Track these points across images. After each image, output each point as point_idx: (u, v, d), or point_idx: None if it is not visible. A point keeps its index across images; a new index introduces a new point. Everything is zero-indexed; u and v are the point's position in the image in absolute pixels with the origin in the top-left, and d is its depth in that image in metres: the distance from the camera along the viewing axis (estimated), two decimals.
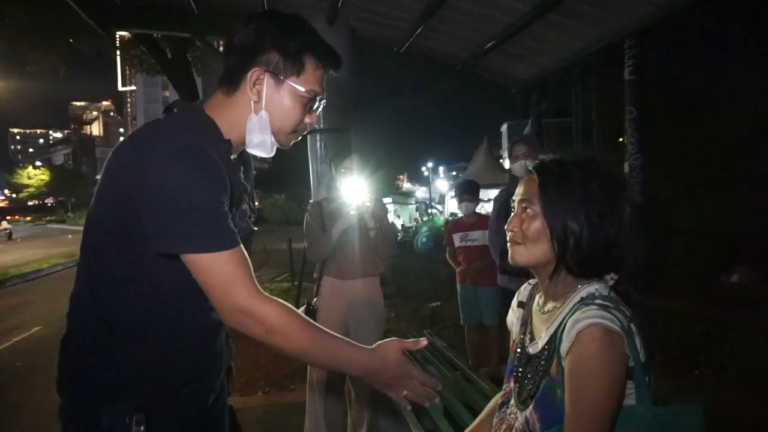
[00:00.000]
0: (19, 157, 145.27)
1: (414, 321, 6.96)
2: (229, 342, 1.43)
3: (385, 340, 1.16)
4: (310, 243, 2.73)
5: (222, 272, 1.05)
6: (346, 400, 2.92)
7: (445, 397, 2.55)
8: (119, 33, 7.18)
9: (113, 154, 1.12)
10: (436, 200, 36.95)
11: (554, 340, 1.06)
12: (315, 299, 2.79)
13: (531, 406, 1.09)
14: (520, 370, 1.18)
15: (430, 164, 50.38)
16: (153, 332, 1.15)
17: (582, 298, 1.06)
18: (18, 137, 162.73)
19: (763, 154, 10.44)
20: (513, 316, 1.31)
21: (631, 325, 1.00)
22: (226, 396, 1.44)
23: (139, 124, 1.23)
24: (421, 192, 49.39)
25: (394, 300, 8.52)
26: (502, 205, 3.27)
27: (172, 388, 1.17)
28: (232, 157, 1.24)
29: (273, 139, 1.21)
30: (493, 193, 6.80)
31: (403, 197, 29.76)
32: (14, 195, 74.63)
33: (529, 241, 1.11)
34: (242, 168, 1.28)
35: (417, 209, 28.68)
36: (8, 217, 27.67)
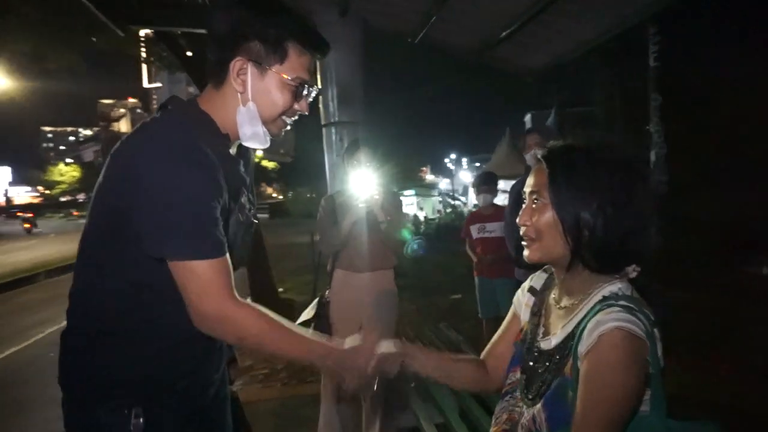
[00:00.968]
0: (51, 154, 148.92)
1: (433, 314, 6.95)
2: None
3: (361, 345, 1.22)
4: (322, 236, 2.75)
5: (202, 279, 1.06)
6: (360, 394, 2.94)
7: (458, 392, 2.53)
8: (141, 31, 7.26)
9: (110, 155, 1.13)
10: (460, 192, 36.71)
11: (572, 339, 1.00)
12: (327, 291, 2.81)
13: (539, 405, 1.04)
14: (530, 363, 1.13)
15: (453, 155, 50.07)
16: (146, 329, 1.16)
17: (604, 297, 1.00)
18: (49, 135, 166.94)
19: None
20: (522, 300, 1.26)
21: (655, 330, 0.94)
22: (228, 389, 1.44)
23: None
24: (444, 183, 49.15)
25: (414, 292, 8.51)
26: (517, 197, 3.23)
27: (167, 383, 1.19)
28: (231, 150, 1.25)
29: (264, 129, 1.20)
30: None
31: (425, 189, 29.63)
32: (47, 191, 76.68)
33: (542, 235, 1.05)
34: (242, 161, 1.28)
35: (440, 201, 28.52)
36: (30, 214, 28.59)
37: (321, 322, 2.74)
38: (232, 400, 1.53)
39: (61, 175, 71.92)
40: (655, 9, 3.26)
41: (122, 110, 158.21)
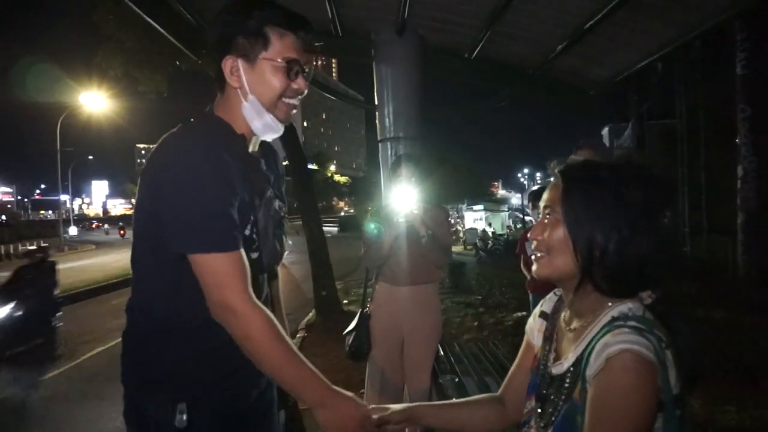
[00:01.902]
0: None
1: (496, 331, 6.80)
2: None
3: (361, 400, 1.17)
4: (366, 250, 2.78)
5: (218, 272, 1.12)
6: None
7: None
8: None
9: (140, 174, 1.22)
10: (530, 207, 35.66)
11: (580, 363, 0.95)
12: (369, 305, 2.83)
13: (550, 431, 1.00)
14: (544, 390, 1.07)
15: (526, 170, 48.97)
16: (188, 329, 1.23)
17: (613, 318, 0.94)
18: (143, 152, 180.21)
19: None
20: (534, 326, 1.21)
21: (667, 352, 0.88)
22: (274, 391, 1.46)
23: None
24: (516, 199, 48.09)
25: (478, 309, 8.37)
26: None
27: (209, 382, 1.24)
28: (251, 149, 1.31)
29: (271, 116, 1.25)
30: None
31: (495, 204, 29.13)
32: None
33: (552, 252, 1.01)
34: (264, 160, 1.35)
35: (510, 216, 27.95)
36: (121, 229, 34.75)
37: (362, 334, 2.77)
38: (290, 405, 1.57)
39: None
40: (732, 13, 3.07)
41: None
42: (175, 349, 1.22)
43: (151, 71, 8.34)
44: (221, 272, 1.12)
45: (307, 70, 1.27)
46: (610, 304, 0.97)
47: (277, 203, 1.36)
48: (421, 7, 3.47)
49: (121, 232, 32.49)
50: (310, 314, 7.85)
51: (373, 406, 1.18)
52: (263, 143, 1.36)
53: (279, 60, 1.22)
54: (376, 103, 4.05)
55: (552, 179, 1.07)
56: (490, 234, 19.71)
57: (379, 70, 3.98)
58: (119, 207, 79.01)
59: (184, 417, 1.19)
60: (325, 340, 6.17)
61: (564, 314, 1.10)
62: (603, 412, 0.86)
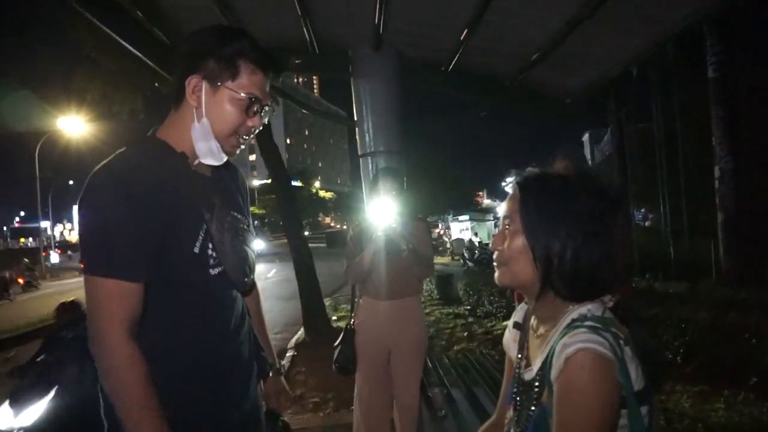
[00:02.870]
0: None
1: (486, 340, 6.81)
2: (261, 359, 1.48)
3: None
4: (348, 264, 2.79)
5: (97, 296, 1.12)
6: (390, 419, 2.90)
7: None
8: None
9: None
10: None
11: (545, 366, 0.98)
12: (352, 320, 2.83)
13: None
14: (517, 398, 1.11)
15: (509, 179, 49.33)
16: (160, 352, 1.20)
17: (573, 320, 0.98)
18: None
19: None
20: (510, 337, 1.24)
21: (626, 348, 0.91)
22: (261, 413, 1.46)
23: None
24: (501, 208, 48.38)
25: (467, 319, 8.38)
26: None
27: (187, 402, 1.22)
28: (197, 168, 1.31)
29: (217, 144, 1.26)
30: None
31: (481, 214, 29.27)
32: None
33: (511, 261, 1.04)
34: (215, 174, 1.37)
35: (495, 225, 28.04)
36: None
37: (347, 349, 2.77)
38: (281, 428, 1.56)
39: None
40: (701, 16, 3.13)
41: None
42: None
43: (129, 92, 8.32)
44: (100, 297, 1.12)
45: (266, 109, 1.29)
46: (570, 307, 1.01)
47: (231, 215, 1.34)
48: (396, 23, 3.51)
49: None
50: (299, 333, 7.78)
51: None
52: (227, 164, 1.38)
53: (242, 94, 1.23)
54: (356, 118, 4.07)
55: (510, 191, 1.11)
56: (477, 244, 19.77)
57: (357, 86, 4.00)
58: None
59: None
60: (313, 357, 6.12)
61: (532, 321, 1.14)
62: (566, 411, 0.89)
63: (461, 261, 18.33)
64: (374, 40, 3.69)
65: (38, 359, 2.06)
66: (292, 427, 1.73)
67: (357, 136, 4.06)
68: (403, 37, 3.79)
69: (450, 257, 22.39)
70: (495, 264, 1.10)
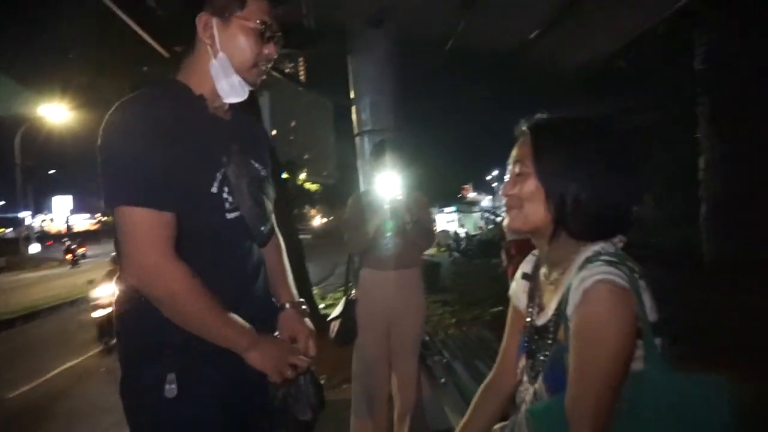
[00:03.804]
0: None
1: (475, 326, 6.84)
2: (272, 306, 1.44)
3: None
4: (349, 235, 2.79)
5: (136, 228, 1.10)
6: (388, 391, 2.91)
7: None
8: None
9: None
10: (501, 208, 36.14)
11: (562, 305, 0.98)
12: (354, 290, 2.83)
13: (540, 378, 1.03)
14: (532, 346, 1.10)
15: (495, 172, 49.54)
16: None
17: (587, 258, 0.97)
18: None
19: None
20: (518, 289, 1.24)
21: (641, 281, 0.92)
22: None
23: None
24: (487, 201, 48.68)
25: (455, 306, 8.43)
26: None
27: (195, 352, 1.21)
28: (216, 112, 1.30)
29: (239, 78, 1.25)
30: None
31: (467, 206, 29.45)
32: (104, 218, 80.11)
33: (524, 204, 1.04)
34: (236, 121, 1.35)
35: (482, 217, 28.25)
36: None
37: (348, 320, 2.77)
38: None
39: None
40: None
41: None
42: (159, 320, 1.17)
43: (115, 78, 8.19)
44: (141, 228, 1.10)
45: (279, 35, 1.28)
46: (582, 248, 1.00)
47: (248, 162, 1.33)
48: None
49: (68, 256, 23.71)
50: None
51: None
52: (235, 111, 1.35)
53: (255, 22, 1.22)
54: (352, 96, 4.05)
55: (520, 137, 1.09)
56: (463, 235, 19.90)
57: (354, 63, 3.99)
58: (83, 222, 76.59)
59: (174, 387, 1.16)
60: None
61: (543, 270, 1.14)
62: (585, 343, 0.90)
63: (447, 252, 18.42)
64: (374, 16, 3.68)
65: None
66: None
67: (353, 115, 4.04)
68: (404, 14, 3.77)
69: (436, 248, 22.48)
70: (505, 209, 1.10)
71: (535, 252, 1.21)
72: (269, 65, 1.32)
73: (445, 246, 19.78)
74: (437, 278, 10.70)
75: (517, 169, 1.06)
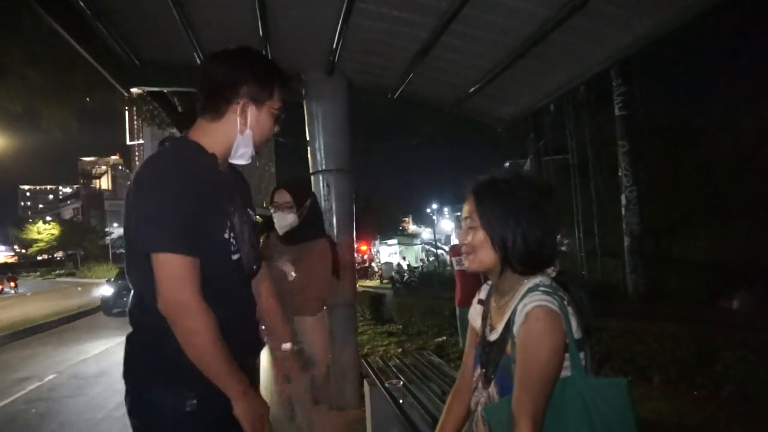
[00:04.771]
0: (29, 213, 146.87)
1: (425, 352, 7.06)
2: (260, 335, 1.66)
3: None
4: None
5: (172, 270, 1.28)
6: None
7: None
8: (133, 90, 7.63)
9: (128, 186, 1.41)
10: (442, 241, 37.10)
11: (509, 325, 1.27)
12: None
13: (492, 383, 1.31)
14: (485, 358, 1.38)
15: (434, 205, 50.58)
16: None
17: (529, 288, 1.27)
18: (28, 194, 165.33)
19: (751, 181, 10.67)
20: (474, 312, 1.52)
21: (569, 307, 1.22)
22: (258, 379, 1.64)
23: None
24: (427, 233, 49.47)
25: (400, 337, 8.64)
26: None
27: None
28: (221, 168, 1.51)
29: (253, 149, 1.51)
30: None
31: (408, 239, 29.97)
32: (24, 251, 75.12)
33: (477, 250, 1.33)
34: (232, 176, 1.58)
35: (422, 249, 28.86)
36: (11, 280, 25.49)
37: None
38: None
39: (39, 233, 70.58)
40: (612, 61, 3.68)
41: (104, 167, 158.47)
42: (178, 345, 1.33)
43: (59, 106, 7.99)
44: (176, 271, 1.28)
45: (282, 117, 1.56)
46: (525, 280, 1.31)
47: (246, 211, 1.55)
48: (350, 51, 3.81)
49: (11, 282, 24.95)
50: None
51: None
52: (229, 165, 1.58)
53: (276, 108, 1.50)
54: (308, 138, 4.30)
55: (467, 196, 1.40)
56: (406, 267, 20.24)
57: (310, 107, 4.26)
58: (1, 254, 71.41)
59: (195, 402, 1.35)
60: None
61: (494, 297, 1.44)
62: (526, 353, 1.19)
63: (390, 284, 18.63)
64: (327, 65, 3.97)
65: None
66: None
67: (309, 155, 4.29)
68: (354, 64, 4.11)
69: (379, 280, 22.69)
70: (464, 255, 1.39)
71: (489, 282, 1.50)
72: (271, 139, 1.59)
73: (388, 278, 19.96)
74: (382, 309, 10.92)
75: (468, 223, 1.36)
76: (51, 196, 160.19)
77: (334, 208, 4.19)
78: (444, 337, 7.85)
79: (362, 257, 27.23)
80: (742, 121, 12.08)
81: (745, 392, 4.07)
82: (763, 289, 8.01)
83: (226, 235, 1.42)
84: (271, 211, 2.73)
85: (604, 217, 11.47)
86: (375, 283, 22.28)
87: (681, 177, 12.04)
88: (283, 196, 2.67)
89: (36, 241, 70.01)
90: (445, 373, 3.00)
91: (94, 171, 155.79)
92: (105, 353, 8.53)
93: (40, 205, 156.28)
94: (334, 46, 3.62)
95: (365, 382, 3.22)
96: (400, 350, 7.54)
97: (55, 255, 72.24)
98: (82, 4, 3.05)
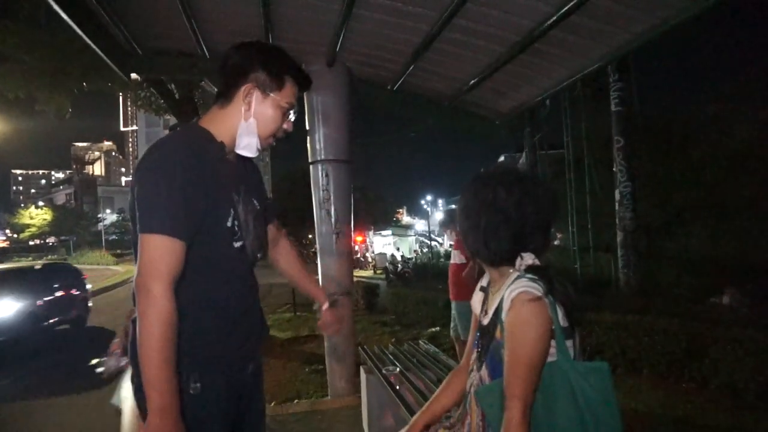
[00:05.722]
0: (21, 198, 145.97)
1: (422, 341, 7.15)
2: (264, 321, 1.70)
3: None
4: None
5: (153, 252, 1.30)
6: None
7: None
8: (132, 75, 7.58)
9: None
10: (436, 233, 37.24)
11: (498, 311, 1.33)
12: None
13: (484, 366, 1.38)
14: (481, 341, 1.45)
15: (429, 197, 50.67)
16: (200, 307, 1.42)
17: (516, 277, 1.33)
18: (20, 178, 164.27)
19: (744, 181, 10.78)
20: (476, 299, 1.58)
21: (549, 295, 1.26)
22: (262, 365, 1.69)
23: None
24: (420, 225, 49.63)
25: (394, 327, 8.72)
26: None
27: (218, 355, 1.44)
28: (229, 156, 1.53)
29: (257, 141, 1.51)
30: None
31: (402, 230, 30.05)
32: (15, 235, 74.56)
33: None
34: (241, 164, 1.58)
35: (416, 241, 28.97)
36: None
37: None
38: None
39: (31, 218, 69.98)
40: (610, 59, 3.72)
41: (97, 153, 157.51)
42: (190, 326, 1.37)
43: (53, 91, 7.91)
44: (158, 252, 1.30)
45: (294, 115, 1.57)
46: (511, 271, 1.38)
47: (251, 200, 1.57)
48: (352, 43, 3.83)
49: None
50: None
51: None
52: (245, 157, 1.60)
53: (285, 103, 1.50)
54: (308, 128, 4.33)
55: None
56: (399, 258, 20.32)
57: (310, 98, 4.28)
58: None
59: (199, 386, 1.38)
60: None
61: (491, 285, 1.51)
62: (513, 338, 1.25)
63: (384, 275, 18.71)
64: (329, 56, 3.99)
65: None
66: (269, 413, 1.94)
67: (308, 144, 4.32)
68: (356, 56, 4.13)
69: (372, 271, 22.77)
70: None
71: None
72: (282, 136, 1.59)
73: (382, 269, 20.04)
74: (376, 300, 11.01)
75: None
76: (43, 181, 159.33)
77: (332, 198, 4.23)
78: (437, 328, 7.94)
79: (359, 247, 27.28)
80: (738, 119, 12.17)
81: (733, 386, 4.16)
82: (754, 286, 8.13)
83: (229, 223, 1.45)
84: None
85: (598, 212, 11.56)
86: (369, 273, 22.37)
87: (675, 174, 12.13)
88: None
89: (28, 226, 69.42)
90: (442, 362, 3.05)
91: (87, 157, 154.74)
92: None
93: (33, 190, 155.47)
94: (337, 37, 3.64)
95: (362, 369, 3.28)
96: (393, 340, 7.64)
97: (48, 240, 71.80)
98: None
